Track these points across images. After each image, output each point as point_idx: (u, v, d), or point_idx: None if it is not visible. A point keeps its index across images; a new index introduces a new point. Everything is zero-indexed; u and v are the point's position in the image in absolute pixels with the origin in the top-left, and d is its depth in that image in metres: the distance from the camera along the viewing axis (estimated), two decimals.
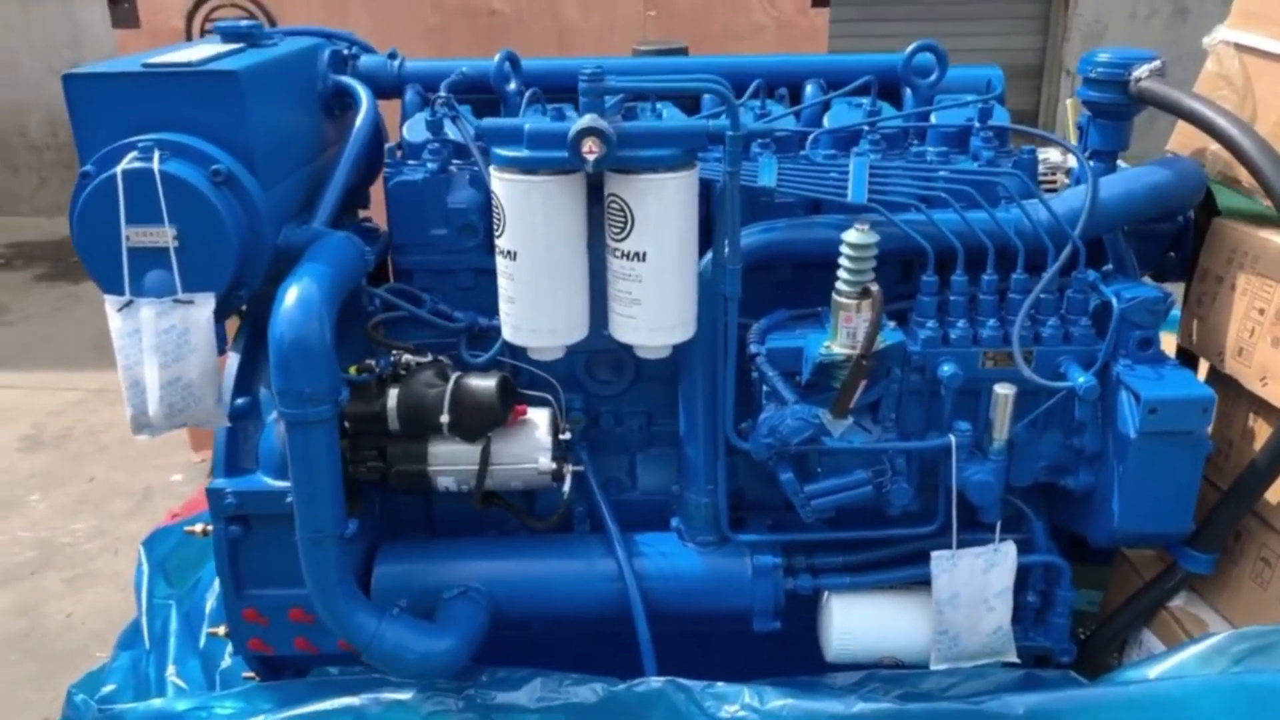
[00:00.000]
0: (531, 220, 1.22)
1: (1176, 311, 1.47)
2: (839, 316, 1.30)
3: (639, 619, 1.45)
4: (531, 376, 1.44)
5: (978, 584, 1.43)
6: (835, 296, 1.30)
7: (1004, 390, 1.34)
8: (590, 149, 1.13)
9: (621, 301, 1.28)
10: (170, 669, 1.79)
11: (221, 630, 1.49)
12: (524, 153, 1.20)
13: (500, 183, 1.22)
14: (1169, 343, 1.44)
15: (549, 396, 1.44)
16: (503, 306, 1.31)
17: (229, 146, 1.23)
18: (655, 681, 1.30)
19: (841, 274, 1.29)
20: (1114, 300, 1.36)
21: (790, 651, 1.50)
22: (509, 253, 1.25)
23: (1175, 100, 1.32)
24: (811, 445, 1.34)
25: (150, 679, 1.79)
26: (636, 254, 1.24)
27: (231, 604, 1.44)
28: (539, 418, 1.42)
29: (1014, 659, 1.47)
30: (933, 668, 1.45)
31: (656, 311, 1.27)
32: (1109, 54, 1.41)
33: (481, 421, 1.35)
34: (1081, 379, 1.32)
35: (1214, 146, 1.41)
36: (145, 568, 1.96)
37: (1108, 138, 1.46)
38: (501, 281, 1.29)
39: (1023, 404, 1.38)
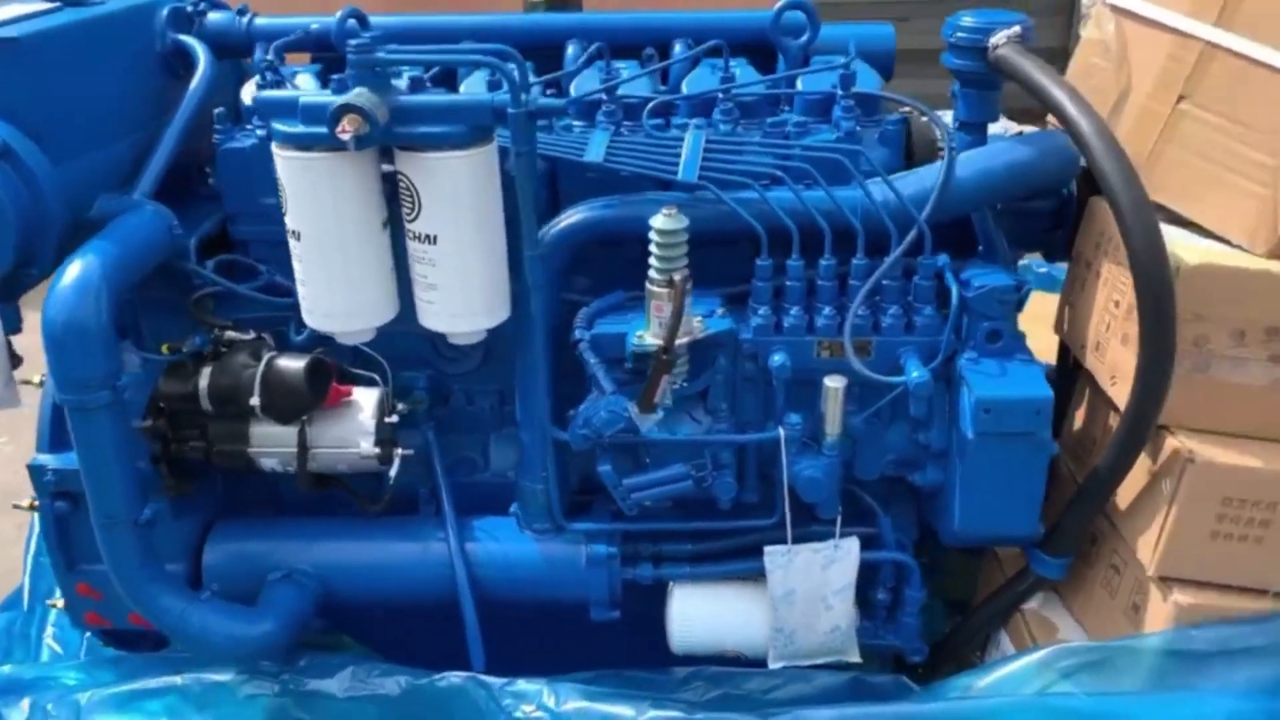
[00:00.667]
0: (313, 199, 1.17)
1: None
2: (650, 305, 1.23)
3: (466, 606, 1.42)
4: (366, 355, 1.40)
5: (815, 581, 1.38)
6: (647, 284, 1.24)
7: (833, 383, 1.27)
8: (345, 127, 1.06)
9: (420, 285, 1.23)
10: (49, 631, 1.81)
11: (60, 603, 1.50)
12: (298, 128, 1.14)
13: (279, 159, 1.17)
14: None
15: (376, 377, 1.39)
16: (298, 288, 1.26)
17: (10, 117, 1.19)
18: (456, 677, 1.28)
19: (651, 261, 1.22)
20: (955, 288, 1.28)
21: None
22: (294, 233, 1.20)
23: (1024, 72, 1.21)
24: (626, 438, 1.29)
25: (31, 639, 1.81)
26: (428, 236, 1.18)
27: (64, 578, 1.44)
28: (365, 400, 1.38)
29: (855, 659, 1.42)
30: (770, 665, 1.41)
31: (454, 297, 1.22)
32: (972, 17, 1.30)
33: (293, 405, 1.32)
34: (916, 374, 1.25)
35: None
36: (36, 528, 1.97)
37: (974, 109, 1.35)
38: (294, 263, 1.24)
39: (865, 396, 1.31)
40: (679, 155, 1.29)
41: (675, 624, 1.43)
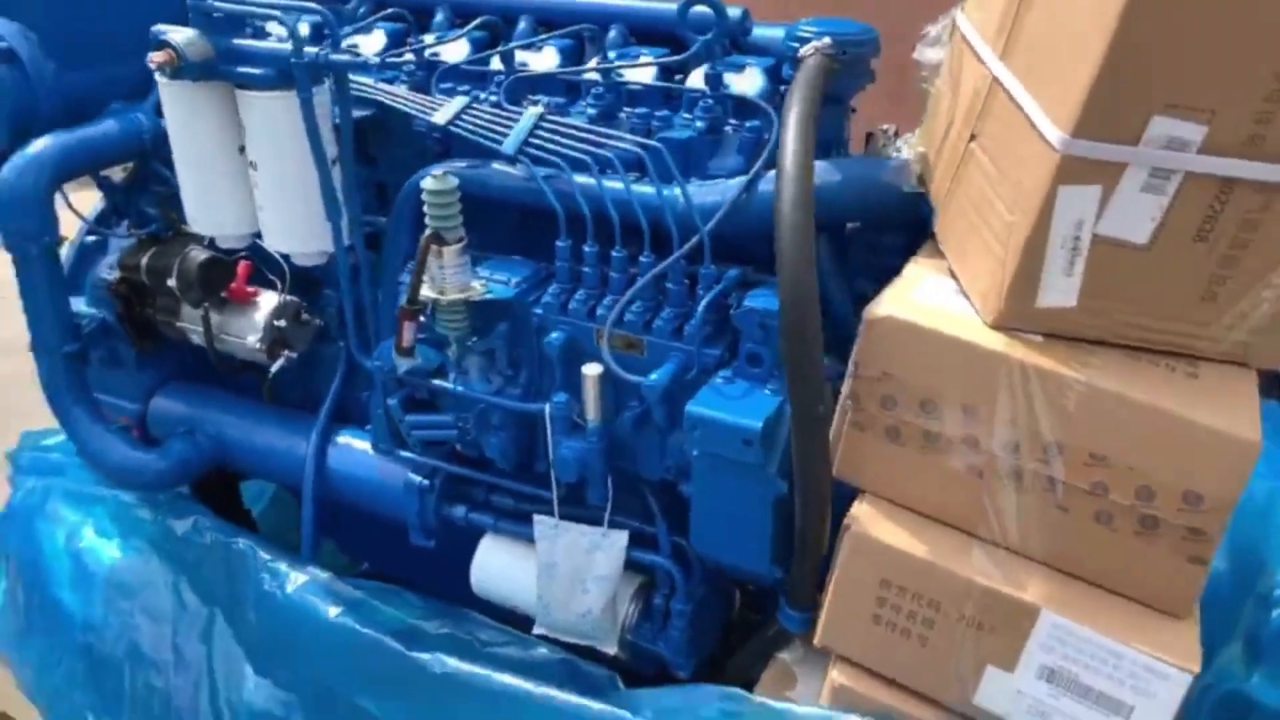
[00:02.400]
0: (175, 121, 1.41)
1: None
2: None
3: (306, 500, 1.63)
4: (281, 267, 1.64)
5: (579, 562, 1.42)
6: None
7: (590, 370, 1.31)
8: (155, 59, 1.28)
9: (257, 205, 1.43)
10: None
11: None
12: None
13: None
14: None
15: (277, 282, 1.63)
16: None
17: (29, 23, 1.54)
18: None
19: (426, 219, 1.33)
20: (730, 302, 1.25)
21: None
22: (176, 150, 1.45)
23: (789, 91, 1.15)
24: (411, 379, 1.41)
25: None
26: (251, 163, 1.38)
27: None
28: (265, 302, 1.62)
29: (611, 650, 1.44)
30: (534, 631, 1.47)
31: (275, 220, 1.41)
32: (812, 26, 1.24)
33: (194, 293, 1.59)
34: (654, 376, 1.25)
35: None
36: None
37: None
38: None
39: (622, 392, 1.33)
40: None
41: (474, 569, 1.54)
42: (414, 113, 1.43)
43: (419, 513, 1.56)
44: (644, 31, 1.55)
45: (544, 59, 1.57)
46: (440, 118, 1.40)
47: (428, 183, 1.30)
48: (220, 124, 1.40)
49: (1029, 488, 1.03)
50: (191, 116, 1.39)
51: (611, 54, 1.52)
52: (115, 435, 1.66)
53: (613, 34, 1.57)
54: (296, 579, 1.46)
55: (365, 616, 1.40)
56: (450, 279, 1.33)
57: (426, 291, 1.35)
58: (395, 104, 1.44)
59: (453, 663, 1.29)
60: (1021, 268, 1.01)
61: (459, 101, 1.43)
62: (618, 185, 1.30)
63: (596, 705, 1.20)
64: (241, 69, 1.32)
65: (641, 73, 1.47)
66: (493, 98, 1.45)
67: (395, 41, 1.65)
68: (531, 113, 1.38)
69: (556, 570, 1.44)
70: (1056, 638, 1.01)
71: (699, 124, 1.37)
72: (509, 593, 1.52)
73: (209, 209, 1.47)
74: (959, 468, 1.04)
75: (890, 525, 1.07)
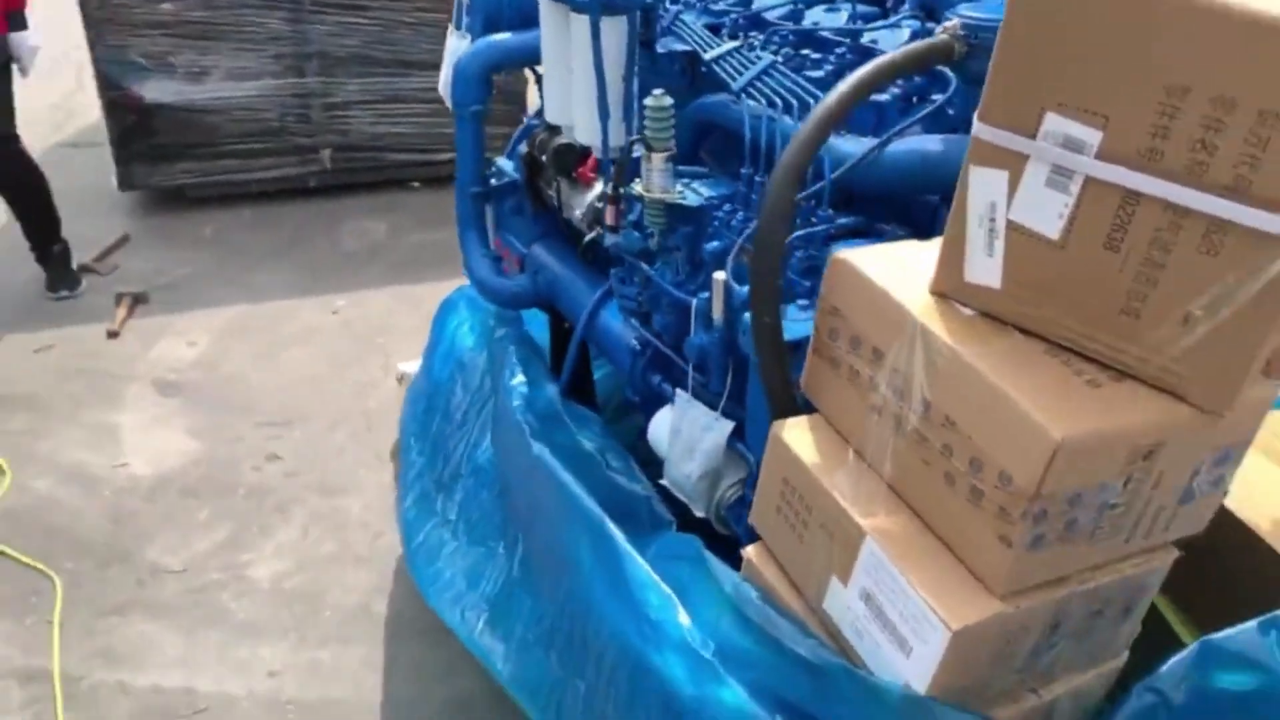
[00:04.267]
0: (543, 34, 1.97)
1: None
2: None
3: (574, 339, 2.16)
4: None
5: (694, 434, 1.75)
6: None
7: (717, 275, 1.61)
8: None
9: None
10: None
11: None
12: None
13: None
14: None
15: None
16: None
17: None
18: None
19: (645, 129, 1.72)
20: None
21: None
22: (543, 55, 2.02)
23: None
24: (619, 253, 1.85)
25: None
26: (570, 69, 1.89)
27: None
28: (595, 187, 2.16)
29: (700, 513, 1.75)
30: (660, 481, 1.84)
31: (577, 117, 1.91)
32: (968, 6, 1.37)
33: (551, 170, 2.18)
34: (745, 289, 1.53)
35: None
36: None
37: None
38: None
39: None
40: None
41: (649, 425, 1.95)
42: (698, 51, 1.83)
43: (630, 371, 2.00)
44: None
45: (838, 19, 1.84)
46: (708, 55, 1.78)
47: (648, 100, 1.70)
48: (563, 38, 1.95)
49: (904, 435, 1.15)
50: (548, 30, 1.95)
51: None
52: (488, 259, 2.35)
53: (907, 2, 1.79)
54: (518, 383, 2.00)
55: (545, 423, 1.90)
56: (655, 181, 1.72)
57: (636, 188, 1.76)
58: (687, 43, 1.85)
59: (555, 462, 1.72)
60: (949, 238, 1.13)
61: (729, 45, 1.79)
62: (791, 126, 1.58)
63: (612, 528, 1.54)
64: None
65: (890, 38, 1.68)
66: (764, 47, 1.79)
67: None
68: (765, 59, 1.70)
69: (679, 436, 1.78)
70: (874, 564, 1.13)
71: (894, 90, 1.57)
72: (659, 447, 1.90)
73: (555, 105, 2.03)
74: (864, 403, 1.19)
75: (803, 434, 1.26)
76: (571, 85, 1.93)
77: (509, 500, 1.90)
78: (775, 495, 1.30)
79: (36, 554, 2.52)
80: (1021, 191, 1.05)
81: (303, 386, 3.30)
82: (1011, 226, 1.07)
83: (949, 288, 1.15)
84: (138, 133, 4.26)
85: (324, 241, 4.31)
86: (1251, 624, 1.25)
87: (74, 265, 3.81)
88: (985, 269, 1.11)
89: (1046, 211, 1.04)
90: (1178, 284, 0.98)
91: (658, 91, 1.68)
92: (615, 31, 1.81)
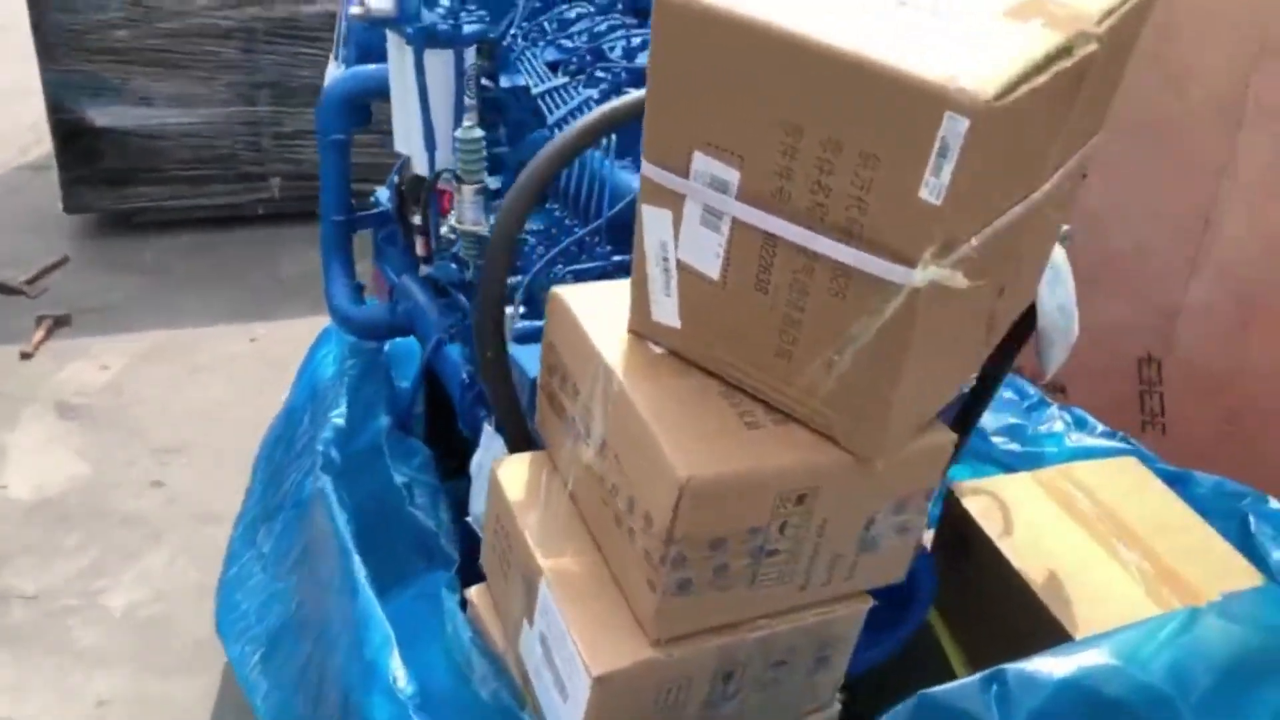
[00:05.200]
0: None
1: None
2: None
3: (419, 369, 2.17)
4: None
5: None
6: None
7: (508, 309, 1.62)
8: (354, 11, 1.88)
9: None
10: None
11: None
12: None
13: None
14: None
15: None
16: None
17: None
18: None
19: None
20: None
21: None
22: None
23: None
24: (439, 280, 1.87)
25: None
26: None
27: None
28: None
29: None
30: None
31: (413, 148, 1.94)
32: None
33: (408, 201, 2.21)
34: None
35: None
36: None
37: None
38: None
39: None
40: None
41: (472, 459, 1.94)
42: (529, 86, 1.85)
43: (459, 404, 2.00)
44: None
45: None
46: (535, 90, 1.81)
47: (458, 131, 1.72)
48: (403, 68, 1.98)
49: (588, 472, 1.14)
50: (392, 60, 1.98)
51: None
52: (348, 288, 2.37)
53: None
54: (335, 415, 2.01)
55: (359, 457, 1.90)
56: (466, 213, 1.74)
57: (451, 221, 1.78)
58: (516, 81, 1.87)
59: (332, 495, 1.72)
60: (635, 278, 1.13)
61: (558, 81, 1.82)
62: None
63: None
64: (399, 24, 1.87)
65: None
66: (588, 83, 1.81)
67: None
68: (582, 95, 1.72)
69: (481, 471, 1.78)
70: (546, 606, 1.12)
71: None
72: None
73: (400, 135, 2.06)
74: (565, 440, 1.19)
75: (517, 472, 1.26)
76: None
77: (306, 536, 1.90)
78: (491, 534, 1.29)
79: None
80: (683, 231, 1.05)
81: (204, 414, 3.32)
82: (681, 266, 1.07)
83: (640, 326, 1.15)
84: (85, 156, 4.34)
85: (260, 270, 4.35)
86: (974, 678, 1.23)
87: None
88: (666, 308, 1.11)
89: (705, 251, 1.04)
90: (817, 326, 0.99)
91: (468, 123, 1.71)
92: (441, 63, 1.84)
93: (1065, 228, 1.56)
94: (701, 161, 1.00)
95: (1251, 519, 1.68)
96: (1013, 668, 1.26)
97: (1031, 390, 2.19)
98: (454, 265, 1.83)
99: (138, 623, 2.45)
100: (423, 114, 1.86)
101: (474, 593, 1.35)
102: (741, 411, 1.06)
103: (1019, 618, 1.54)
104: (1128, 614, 1.40)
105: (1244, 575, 1.56)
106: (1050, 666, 1.26)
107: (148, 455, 3.08)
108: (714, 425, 1.04)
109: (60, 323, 3.75)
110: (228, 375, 3.56)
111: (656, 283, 1.11)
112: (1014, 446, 2.01)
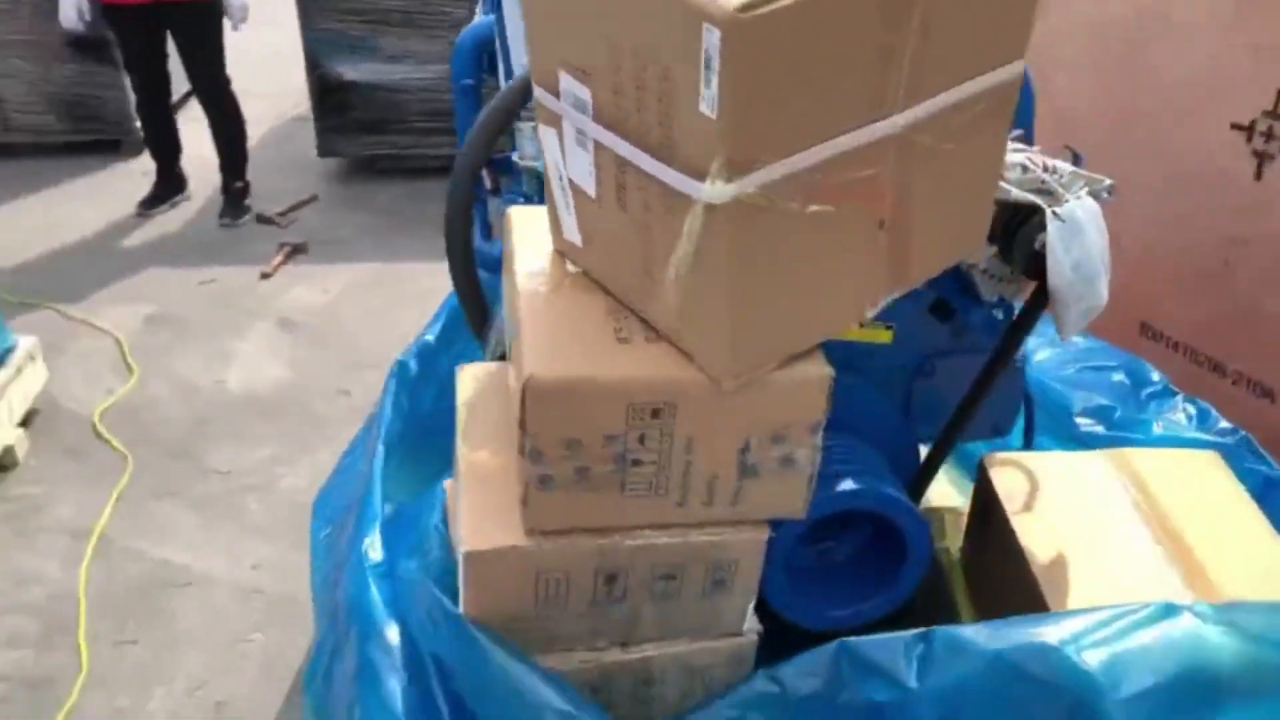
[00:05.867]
0: None
1: None
2: None
3: None
4: None
5: None
6: None
7: None
8: None
9: None
10: None
11: None
12: None
13: None
14: None
15: None
16: None
17: None
18: None
19: None
20: None
21: None
22: None
23: None
24: None
25: None
26: None
27: None
28: None
29: None
30: None
31: None
32: None
33: None
34: None
35: None
36: None
37: None
38: None
39: None
40: None
41: None
42: None
43: None
44: None
45: None
46: None
47: (519, 68, 1.84)
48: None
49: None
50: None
51: None
52: (477, 225, 2.56)
53: None
54: None
55: None
56: (526, 147, 1.86)
57: (514, 155, 1.91)
58: None
59: None
60: (548, 197, 1.20)
61: None
62: None
63: None
64: None
65: None
66: None
67: None
68: None
69: None
70: (456, 492, 1.23)
71: None
72: None
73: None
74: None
75: (476, 372, 1.37)
76: None
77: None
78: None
79: (125, 440, 3.04)
80: (566, 150, 1.11)
81: (398, 337, 3.68)
82: (572, 185, 1.14)
83: (559, 245, 1.23)
84: (337, 107, 4.87)
85: None
86: (903, 634, 1.23)
87: (246, 203, 4.52)
88: (570, 226, 1.18)
89: (583, 170, 1.10)
90: (664, 245, 1.02)
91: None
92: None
93: (1107, 181, 1.45)
94: (565, 81, 1.05)
95: None
96: (943, 631, 1.23)
97: (1156, 377, 2.02)
98: (521, 198, 1.96)
99: (298, 506, 2.80)
100: (500, 50, 1.99)
101: (448, 483, 1.48)
102: (619, 327, 1.12)
103: (1018, 594, 1.47)
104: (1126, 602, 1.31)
105: None
106: (983, 637, 1.21)
107: (342, 368, 3.47)
108: (585, 336, 1.10)
109: (298, 250, 4.27)
110: (426, 307, 3.91)
111: (559, 201, 1.17)
112: (1098, 429, 1.88)
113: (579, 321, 1.12)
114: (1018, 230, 1.42)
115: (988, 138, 1.10)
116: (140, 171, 4.81)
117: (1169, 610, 1.21)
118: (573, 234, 1.18)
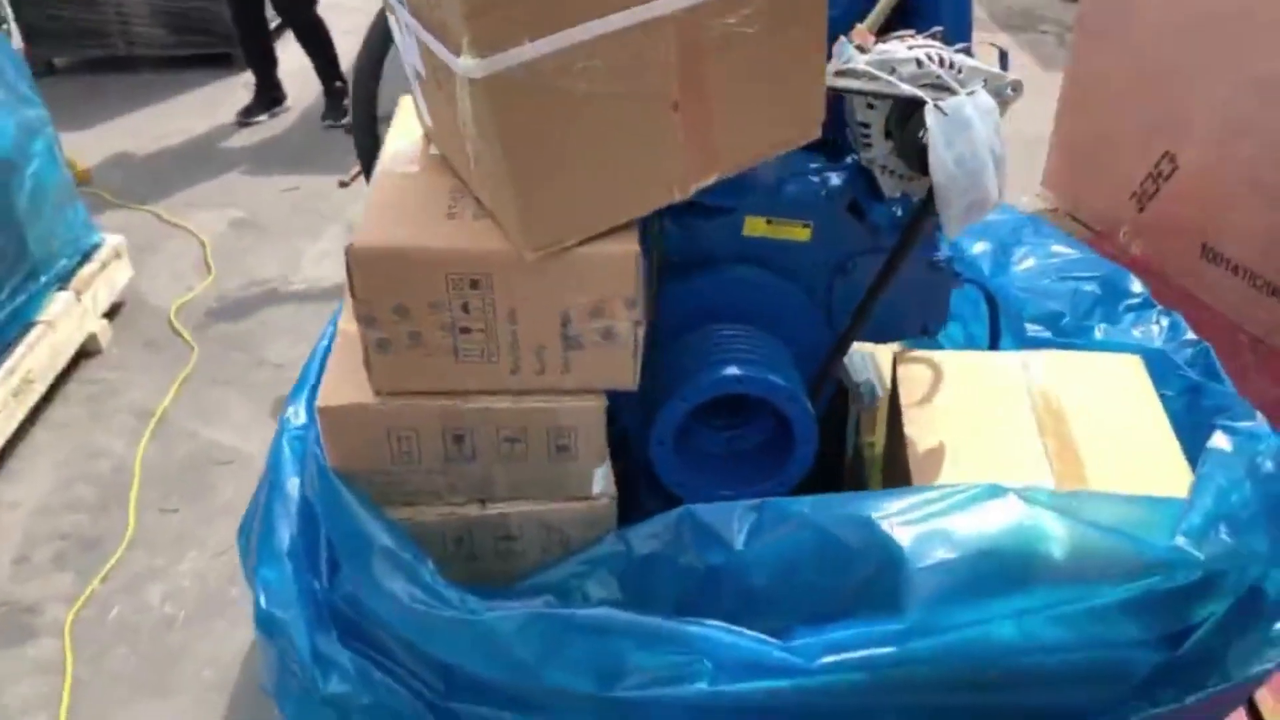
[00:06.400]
0: None
1: None
2: None
3: None
4: None
5: None
6: None
7: None
8: None
9: None
10: None
11: None
12: None
13: None
14: None
15: None
16: None
17: None
18: None
19: None
20: None
21: None
22: None
23: None
24: None
25: None
26: None
27: None
28: None
29: None
30: None
31: None
32: None
33: None
34: None
35: None
36: None
37: None
38: None
39: None
40: None
41: None
42: None
43: None
44: None
45: None
46: None
47: None
48: None
49: None
50: None
51: None
52: None
53: None
54: None
55: None
56: None
57: None
58: None
59: None
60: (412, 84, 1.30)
61: None
62: None
63: None
64: None
65: None
66: None
67: None
68: None
69: None
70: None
71: None
72: None
73: None
74: None
75: None
76: None
77: None
78: None
79: (195, 332, 3.35)
80: (402, 36, 1.20)
81: None
82: (413, 69, 1.23)
83: (424, 128, 1.32)
84: None
85: None
86: (737, 504, 1.31)
87: (346, 102, 4.73)
88: (423, 109, 1.28)
89: (412, 53, 1.19)
90: (459, 119, 1.10)
91: None
92: None
93: (1010, 78, 1.44)
94: None
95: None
96: (773, 502, 1.31)
97: (1136, 289, 1.98)
98: None
99: None
100: None
101: None
102: (452, 204, 1.21)
103: (901, 481, 1.52)
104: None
105: (1164, 484, 1.37)
106: (808, 508, 1.29)
107: None
108: (417, 210, 1.20)
109: None
110: None
111: (414, 85, 1.27)
112: (1045, 334, 1.87)
113: (418, 199, 1.22)
114: (905, 124, 1.43)
115: (795, 26, 1.12)
116: (243, 84, 5.12)
117: (993, 492, 1.24)
118: (425, 117, 1.27)
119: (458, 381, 1.26)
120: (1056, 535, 1.22)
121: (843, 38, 1.50)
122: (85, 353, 3.23)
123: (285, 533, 1.40)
